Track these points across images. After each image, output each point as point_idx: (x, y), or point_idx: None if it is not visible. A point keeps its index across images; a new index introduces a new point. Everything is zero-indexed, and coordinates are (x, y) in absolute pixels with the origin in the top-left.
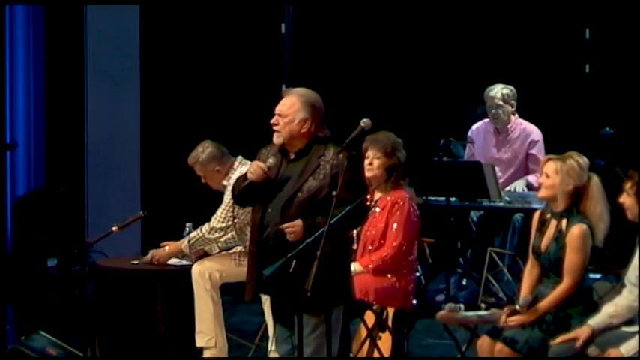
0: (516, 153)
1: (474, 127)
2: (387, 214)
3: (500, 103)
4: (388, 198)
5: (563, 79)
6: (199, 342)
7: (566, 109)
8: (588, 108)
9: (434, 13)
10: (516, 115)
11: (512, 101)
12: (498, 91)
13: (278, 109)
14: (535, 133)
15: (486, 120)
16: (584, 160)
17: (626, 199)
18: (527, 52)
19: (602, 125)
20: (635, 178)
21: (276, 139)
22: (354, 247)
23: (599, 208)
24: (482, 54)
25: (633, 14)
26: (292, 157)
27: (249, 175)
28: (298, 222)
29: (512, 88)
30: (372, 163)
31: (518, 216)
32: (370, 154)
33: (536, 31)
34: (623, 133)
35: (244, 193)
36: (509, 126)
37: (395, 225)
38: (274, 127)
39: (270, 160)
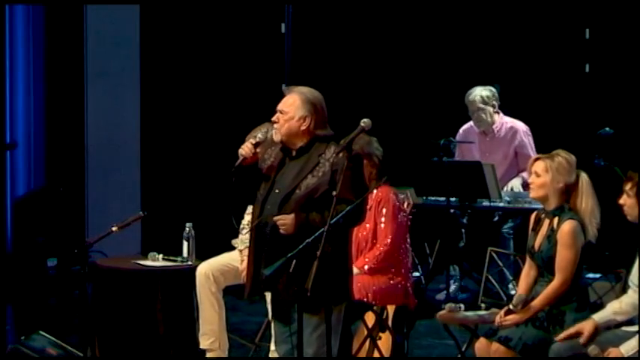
0: (505, 153)
1: (461, 129)
2: (374, 213)
3: (481, 106)
4: (373, 197)
5: (563, 79)
6: (203, 344)
7: (566, 109)
8: (588, 108)
9: (434, 13)
10: (500, 114)
11: (494, 102)
12: (477, 94)
13: (279, 106)
14: (521, 130)
15: (471, 122)
16: (571, 157)
17: (626, 200)
18: (527, 52)
19: (602, 125)
20: (635, 179)
21: (276, 137)
22: None
23: (590, 204)
24: (482, 54)
25: (633, 14)
26: (294, 154)
27: (240, 152)
28: (291, 215)
29: (491, 88)
30: None
31: (507, 228)
32: None
33: (537, 31)
34: (623, 133)
35: (237, 173)
36: (494, 127)
37: (383, 222)
38: (274, 125)
39: (260, 135)
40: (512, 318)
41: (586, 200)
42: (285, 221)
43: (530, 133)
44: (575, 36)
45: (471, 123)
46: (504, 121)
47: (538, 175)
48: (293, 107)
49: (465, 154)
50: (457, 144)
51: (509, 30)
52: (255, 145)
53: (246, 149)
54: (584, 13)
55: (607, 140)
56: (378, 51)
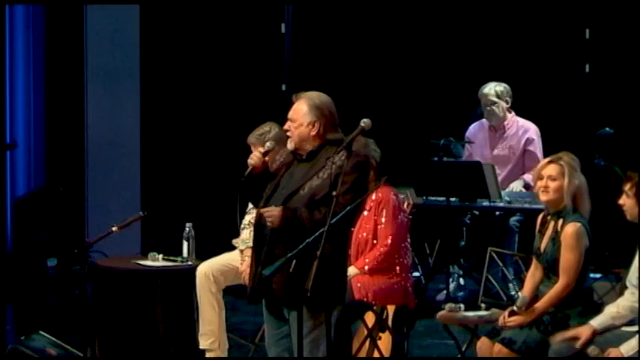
0: (513, 150)
1: (471, 127)
2: (374, 213)
3: (495, 99)
4: (373, 198)
5: (563, 79)
6: (203, 344)
7: (566, 109)
8: (588, 108)
9: (434, 13)
10: (512, 113)
11: (507, 98)
12: (492, 88)
13: (289, 114)
14: (532, 129)
15: (482, 120)
16: (577, 159)
17: (625, 200)
18: (527, 51)
19: (602, 125)
20: (635, 179)
21: (289, 145)
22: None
23: (587, 204)
24: (482, 54)
25: (633, 14)
26: (304, 157)
27: (249, 162)
28: (278, 208)
29: (505, 85)
30: None
31: (514, 221)
32: None
33: (537, 31)
34: (623, 133)
35: (247, 182)
36: (505, 123)
37: (383, 223)
38: (287, 133)
39: (268, 144)
40: (515, 319)
41: (586, 201)
42: (271, 213)
43: (539, 134)
44: (575, 36)
45: (481, 122)
46: (516, 119)
47: (554, 179)
48: (301, 114)
49: (474, 151)
50: (466, 143)
51: (509, 30)
52: (264, 154)
53: (255, 158)
54: (584, 13)
55: (607, 140)
56: (378, 51)
